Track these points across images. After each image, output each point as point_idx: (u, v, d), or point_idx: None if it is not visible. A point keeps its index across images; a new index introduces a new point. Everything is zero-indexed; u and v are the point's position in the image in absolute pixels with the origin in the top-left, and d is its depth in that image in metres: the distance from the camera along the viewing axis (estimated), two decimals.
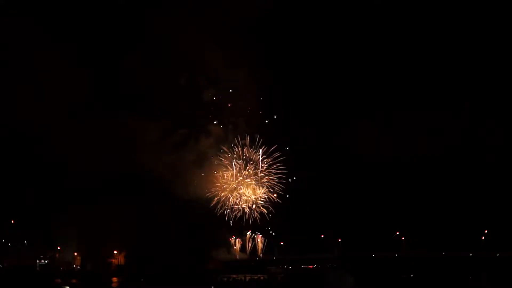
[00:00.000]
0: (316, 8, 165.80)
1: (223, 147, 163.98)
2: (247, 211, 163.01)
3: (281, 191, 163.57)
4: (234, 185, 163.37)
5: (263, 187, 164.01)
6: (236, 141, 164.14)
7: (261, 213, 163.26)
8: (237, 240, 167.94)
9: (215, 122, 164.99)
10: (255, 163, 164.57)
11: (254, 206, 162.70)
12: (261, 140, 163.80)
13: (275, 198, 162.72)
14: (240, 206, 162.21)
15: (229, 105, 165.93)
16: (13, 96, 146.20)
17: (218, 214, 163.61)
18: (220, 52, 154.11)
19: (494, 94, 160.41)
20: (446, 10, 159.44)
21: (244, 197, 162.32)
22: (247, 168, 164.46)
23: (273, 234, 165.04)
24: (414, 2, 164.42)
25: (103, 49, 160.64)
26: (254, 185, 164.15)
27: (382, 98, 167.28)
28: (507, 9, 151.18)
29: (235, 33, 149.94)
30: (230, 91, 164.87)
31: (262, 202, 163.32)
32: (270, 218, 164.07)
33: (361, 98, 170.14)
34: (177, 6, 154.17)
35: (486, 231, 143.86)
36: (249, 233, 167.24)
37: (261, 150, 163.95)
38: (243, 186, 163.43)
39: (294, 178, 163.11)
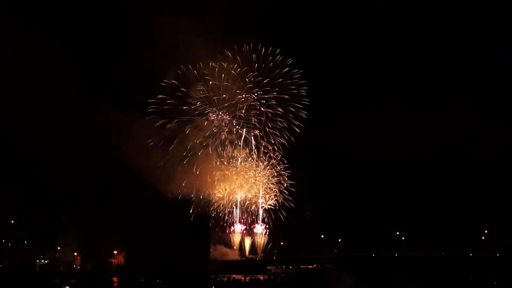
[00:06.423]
0: (316, 8, 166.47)
1: (221, 147, 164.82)
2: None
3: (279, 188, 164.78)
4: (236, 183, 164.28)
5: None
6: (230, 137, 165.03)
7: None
8: (235, 238, 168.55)
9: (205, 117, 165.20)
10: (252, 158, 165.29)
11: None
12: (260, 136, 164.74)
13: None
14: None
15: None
16: (13, 97, 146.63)
17: (216, 213, 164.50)
18: (216, 50, 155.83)
19: (494, 94, 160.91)
20: (446, 10, 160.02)
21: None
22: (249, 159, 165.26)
23: (274, 234, 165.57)
24: (414, 2, 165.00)
25: (94, 48, 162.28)
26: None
27: (381, 98, 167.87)
28: (507, 9, 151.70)
29: (233, 31, 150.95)
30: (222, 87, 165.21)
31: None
32: (271, 218, 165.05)
33: (361, 99, 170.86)
34: (175, 6, 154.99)
35: (486, 231, 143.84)
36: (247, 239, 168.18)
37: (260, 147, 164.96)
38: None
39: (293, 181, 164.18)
